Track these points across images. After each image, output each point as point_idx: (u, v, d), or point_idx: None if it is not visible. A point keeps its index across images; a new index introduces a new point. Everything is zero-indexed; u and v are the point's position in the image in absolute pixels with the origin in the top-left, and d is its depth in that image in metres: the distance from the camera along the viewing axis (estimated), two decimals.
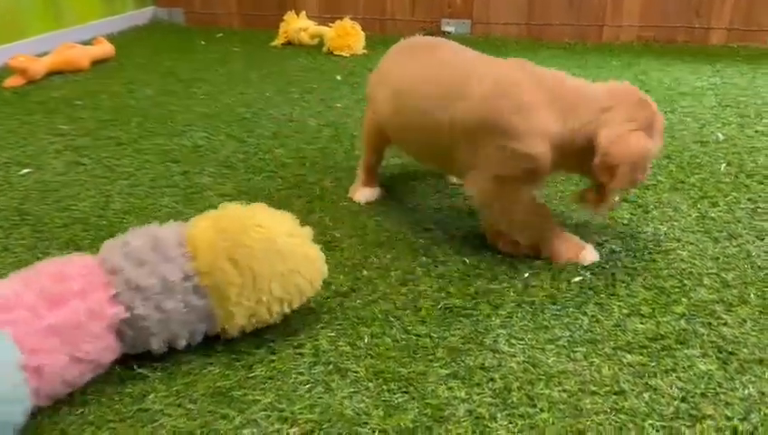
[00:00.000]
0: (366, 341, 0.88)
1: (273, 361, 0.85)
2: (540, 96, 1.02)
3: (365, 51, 2.57)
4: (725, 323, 0.92)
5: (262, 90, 2.07)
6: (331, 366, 0.84)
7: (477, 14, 2.84)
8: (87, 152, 1.55)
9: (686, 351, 0.86)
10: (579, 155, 1.02)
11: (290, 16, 2.69)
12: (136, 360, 0.84)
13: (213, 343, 0.87)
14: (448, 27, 2.87)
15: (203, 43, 2.74)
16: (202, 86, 2.10)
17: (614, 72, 2.28)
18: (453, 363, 0.84)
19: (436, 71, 1.14)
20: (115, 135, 1.66)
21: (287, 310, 0.86)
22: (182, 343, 0.83)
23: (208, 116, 1.81)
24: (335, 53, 2.52)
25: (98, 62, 2.34)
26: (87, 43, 2.45)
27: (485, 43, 2.74)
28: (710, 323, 0.92)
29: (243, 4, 3.03)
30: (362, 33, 2.56)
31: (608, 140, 0.98)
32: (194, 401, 0.79)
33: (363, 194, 1.32)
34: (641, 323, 0.92)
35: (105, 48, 2.37)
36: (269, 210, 0.89)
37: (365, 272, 1.05)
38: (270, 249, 0.83)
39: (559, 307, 0.96)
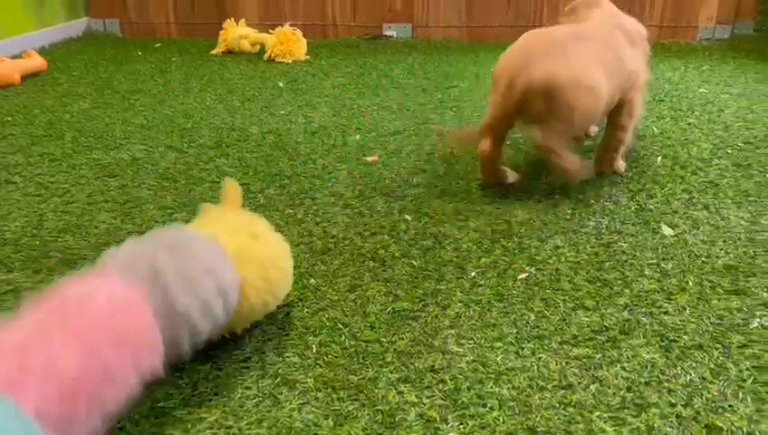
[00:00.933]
0: (314, 350, 0.87)
1: (218, 376, 0.83)
2: None
3: (307, 57, 2.55)
4: (666, 312, 0.94)
5: (202, 99, 2.03)
6: (278, 379, 0.82)
7: (418, 17, 2.86)
8: (18, 170, 1.48)
9: (629, 341, 0.88)
10: None
11: (229, 24, 2.65)
12: None
13: None
14: (389, 32, 2.88)
15: (140, 53, 2.67)
16: (140, 97, 2.04)
17: None
18: (403, 367, 0.83)
19: None
20: (49, 151, 1.59)
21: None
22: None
23: (147, 128, 1.76)
24: (277, 60, 2.49)
25: (29, 76, 2.25)
26: (17, 57, 2.36)
27: (427, 46, 2.77)
28: (652, 313, 0.94)
29: (180, 13, 2.97)
30: (303, 39, 2.55)
31: None
32: (135, 422, 0.76)
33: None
34: (586, 317, 0.93)
35: (36, 61, 2.28)
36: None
37: (312, 280, 1.03)
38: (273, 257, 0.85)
39: (505, 305, 0.96)
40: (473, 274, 1.05)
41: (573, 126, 1.28)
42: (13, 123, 1.80)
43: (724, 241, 1.13)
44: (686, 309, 0.95)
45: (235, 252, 0.80)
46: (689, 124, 1.73)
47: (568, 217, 1.24)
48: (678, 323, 0.91)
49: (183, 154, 1.57)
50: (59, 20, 2.83)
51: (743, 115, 1.79)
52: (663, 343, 0.87)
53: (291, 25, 2.58)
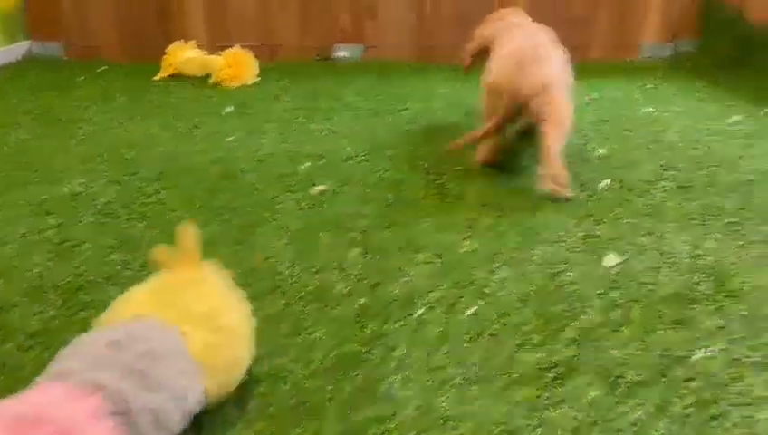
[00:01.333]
0: (255, 403, 0.84)
1: None
2: None
3: (257, 78, 2.52)
4: (613, 346, 0.94)
5: (146, 127, 1.97)
6: None
7: (369, 38, 2.85)
8: None
9: (576, 379, 0.87)
10: None
11: (175, 47, 2.59)
12: None
13: None
14: (341, 52, 2.86)
15: (83, 78, 2.59)
16: (82, 126, 1.98)
17: None
18: (346, 419, 0.81)
19: None
20: None
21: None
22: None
23: (88, 159, 1.70)
24: (224, 84, 2.44)
25: None
26: None
27: (379, 66, 2.76)
28: (597, 347, 0.94)
29: (125, 35, 2.89)
30: (255, 60, 2.51)
31: None
32: None
33: None
34: (533, 354, 0.92)
35: None
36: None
37: (256, 323, 1.00)
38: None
39: (453, 344, 0.95)
40: (421, 311, 1.03)
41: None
42: None
43: (669, 267, 1.14)
44: (632, 342, 0.95)
45: (200, 355, 0.75)
46: (635, 145, 1.75)
47: (516, 246, 1.24)
48: (624, 357, 0.91)
49: (125, 187, 1.52)
50: None
51: (686, 134, 1.83)
52: (609, 380, 0.87)
53: (242, 47, 2.55)
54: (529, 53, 1.52)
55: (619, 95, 2.26)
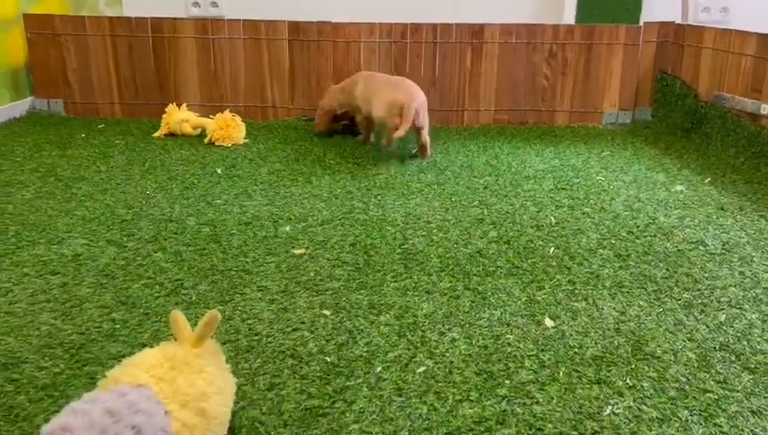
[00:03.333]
0: None
1: None
2: None
3: (246, 140, 2.72)
4: (538, 402, 1.11)
5: (143, 187, 2.16)
6: None
7: None
8: None
9: (504, 430, 1.04)
10: None
11: (171, 108, 2.80)
12: None
13: None
14: None
15: (83, 135, 2.78)
16: (82, 186, 2.16)
17: (472, 156, 2.55)
18: None
19: None
20: None
21: None
22: None
23: (88, 220, 1.87)
24: (216, 143, 2.65)
25: None
26: None
27: None
28: (525, 403, 1.11)
29: (124, 94, 3.10)
30: (242, 124, 2.71)
31: None
32: None
33: None
34: (470, 408, 1.09)
35: None
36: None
37: (235, 378, 1.16)
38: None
39: (404, 398, 1.12)
40: (379, 368, 1.20)
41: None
42: None
43: (596, 332, 1.32)
44: (554, 398, 1.12)
45: (178, 433, 0.90)
46: (583, 213, 1.95)
47: (467, 309, 1.41)
48: (546, 412, 1.09)
49: (122, 249, 1.69)
50: (4, 101, 2.92)
51: (630, 204, 2.04)
52: (530, 432, 1.04)
53: (231, 111, 2.75)
54: (407, 82, 2.51)
55: (578, 163, 2.47)
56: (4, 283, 1.51)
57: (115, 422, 0.84)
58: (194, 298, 1.45)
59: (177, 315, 1.01)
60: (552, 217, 1.92)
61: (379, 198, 2.09)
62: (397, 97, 2.40)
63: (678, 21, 3.15)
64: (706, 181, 2.26)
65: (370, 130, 2.67)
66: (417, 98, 2.39)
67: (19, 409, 1.08)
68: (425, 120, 2.45)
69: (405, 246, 1.72)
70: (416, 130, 2.44)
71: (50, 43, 3.04)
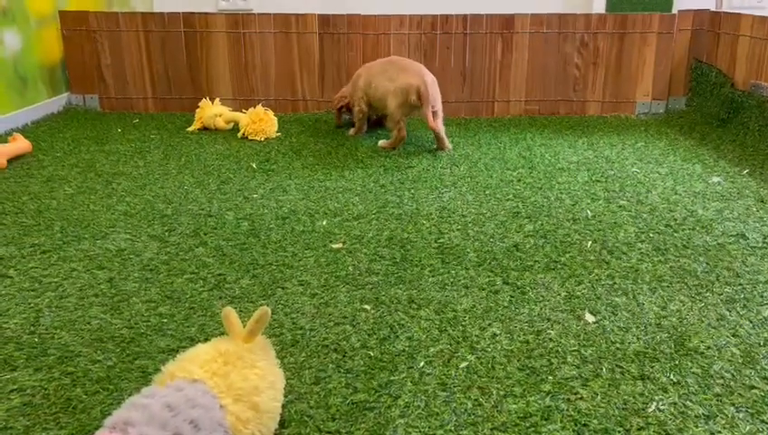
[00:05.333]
0: None
1: None
2: None
3: (278, 134, 2.74)
4: (582, 398, 1.12)
5: (180, 181, 2.19)
6: None
7: None
8: (12, 263, 1.62)
9: (548, 426, 1.05)
10: None
11: (205, 103, 2.84)
12: None
13: None
14: None
15: (120, 130, 2.83)
16: (122, 181, 2.20)
17: (504, 148, 2.55)
18: None
19: None
20: (39, 242, 1.74)
21: None
22: None
23: (130, 215, 1.92)
24: (250, 137, 2.68)
25: (15, 159, 2.39)
26: (1, 137, 2.50)
27: None
28: (569, 399, 1.12)
29: (157, 89, 3.15)
30: (275, 118, 2.74)
31: None
32: None
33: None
34: (514, 404, 1.10)
35: (22, 144, 2.43)
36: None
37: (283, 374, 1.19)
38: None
39: (448, 393, 1.13)
40: (422, 363, 1.22)
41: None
42: (3, 212, 1.94)
43: (637, 327, 1.32)
44: (598, 395, 1.13)
45: (233, 427, 0.92)
46: (619, 206, 1.94)
47: (506, 304, 1.42)
48: (591, 408, 1.09)
49: (164, 243, 1.73)
50: (42, 97, 2.98)
51: (667, 196, 2.02)
52: (576, 428, 1.05)
53: (262, 104, 2.78)
54: (408, 61, 2.52)
55: (612, 154, 2.45)
56: (53, 278, 1.55)
57: (174, 416, 0.87)
58: (237, 292, 1.48)
59: (229, 312, 1.04)
60: (589, 211, 1.91)
61: (412, 191, 2.10)
62: (409, 81, 2.39)
63: (712, 8, 3.10)
64: (744, 172, 2.23)
65: (364, 121, 2.74)
66: (427, 76, 2.40)
67: (76, 401, 1.12)
68: (438, 102, 2.42)
69: (441, 241, 1.73)
70: (423, 115, 2.42)
71: (84, 39, 3.09)
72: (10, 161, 2.36)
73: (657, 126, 2.83)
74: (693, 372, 1.18)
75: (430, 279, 1.53)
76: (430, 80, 2.40)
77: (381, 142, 2.57)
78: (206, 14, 3.05)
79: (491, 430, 1.05)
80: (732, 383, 1.15)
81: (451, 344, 1.28)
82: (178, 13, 3.05)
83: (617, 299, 1.43)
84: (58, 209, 1.96)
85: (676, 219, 1.85)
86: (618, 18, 2.95)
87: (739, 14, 2.81)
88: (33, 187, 2.14)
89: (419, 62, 2.58)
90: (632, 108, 3.03)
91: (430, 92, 2.37)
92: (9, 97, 2.76)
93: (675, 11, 3.06)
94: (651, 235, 1.75)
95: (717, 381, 1.15)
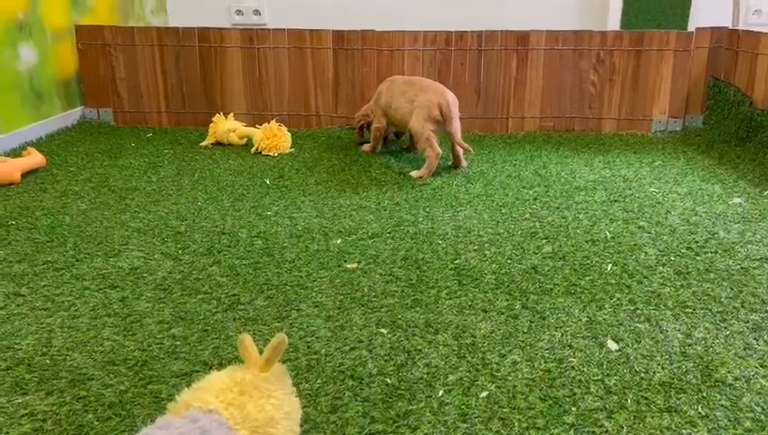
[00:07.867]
0: None
1: None
2: None
3: (292, 149, 2.73)
4: (607, 431, 1.08)
5: (194, 197, 2.18)
6: None
7: None
8: (25, 281, 1.60)
9: None
10: None
11: (218, 118, 2.83)
12: None
13: None
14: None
15: (133, 144, 2.83)
16: (135, 197, 2.19)
17: (520, 166, 2.52)
18: None
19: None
20: (52, 259, 1.72)
21: None
22: None
23: (143, 232, 1.90)
24: (263, 153, 2.67)
25: (29, 173, 2.39)
26: (16, 150, 2.50)
27: (404, 138, 2.96)
28: (594, 432, 1.08)
29: (171, 103, 3.15)
30: (288, 134, 2.73)
31: None
32: None
33: None
34: None
35: (36, 158, 2.42)
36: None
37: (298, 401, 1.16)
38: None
39: (468, 425, 1.10)
40: (441, 392, 1.19)
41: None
42: (16, 227, 1.93)
43: (662, 355, 1.29)
44: (623, 428, 1.09)
45: None
46: (639, 228, 1.91)
47: (526, 329, 1.39)
48: None
49: (178, 262, 1.71)
50: (56, 111, 2.99)
51: (687, 217, 1.99)
52: None
53: (276, 120, 2.77)
54: (429, 82, 2.50)
55: (629, 173, 2.42)
56: (66, 296, 1.53)
57: None
58: (251, 314, 1.46)
59: (246, 339, 1.01)
60: (608, 232, 1.88)
61: (427, 209, 2.08)
62: (430, 98, 2.39)
63: (728, 24, 3.07)
64: (765, 193, 2.19)
65: (380, 139, 2.72)
66: (448, 95, 2.40)
67: (88, 428, 1.09)
68: (456, 120, 2.42)
69: (457, 262, 1.70)
70: (448, 133, 2.42)
71: (99, 53, 3.10)
72: (24, 175, 2.36)
73: (674, 144, 2.80)
74: (721, 405, 1.14)
75: (447, 302, 1.50)
76: (451, 98, 2.40)
77: (414, 173, 2.42)
78: (220, 29, 3.05)
79: None
80: (762, 417, 1.11)
81: (470, 372, 1.24)
82: (193, 28, 3.05)
83: (639, 326, 1.40)
84: (71, 225, 1.95)
85: (697, 242, 1.81)
86: (634, 35, 2.92)
87: (759, 32, 2.78)
88: (47, 202, 2.14)
89: (437, 81, 2.57)
90: (649, 126, 3.00)
91: (452, 111, 2.37)
92: (25, 111, 2.76)
93: (692, 28, 3.04)
94: (672, 258, 1.71)
95: (747, 415, 1.11)
